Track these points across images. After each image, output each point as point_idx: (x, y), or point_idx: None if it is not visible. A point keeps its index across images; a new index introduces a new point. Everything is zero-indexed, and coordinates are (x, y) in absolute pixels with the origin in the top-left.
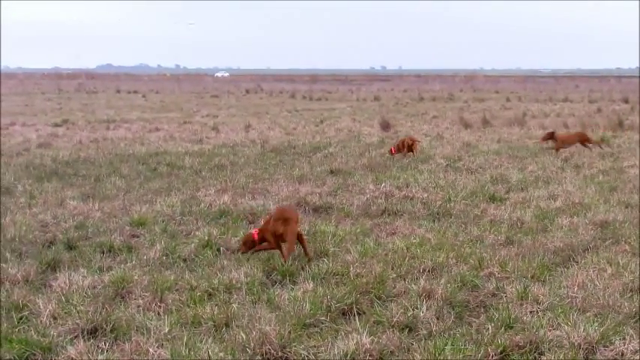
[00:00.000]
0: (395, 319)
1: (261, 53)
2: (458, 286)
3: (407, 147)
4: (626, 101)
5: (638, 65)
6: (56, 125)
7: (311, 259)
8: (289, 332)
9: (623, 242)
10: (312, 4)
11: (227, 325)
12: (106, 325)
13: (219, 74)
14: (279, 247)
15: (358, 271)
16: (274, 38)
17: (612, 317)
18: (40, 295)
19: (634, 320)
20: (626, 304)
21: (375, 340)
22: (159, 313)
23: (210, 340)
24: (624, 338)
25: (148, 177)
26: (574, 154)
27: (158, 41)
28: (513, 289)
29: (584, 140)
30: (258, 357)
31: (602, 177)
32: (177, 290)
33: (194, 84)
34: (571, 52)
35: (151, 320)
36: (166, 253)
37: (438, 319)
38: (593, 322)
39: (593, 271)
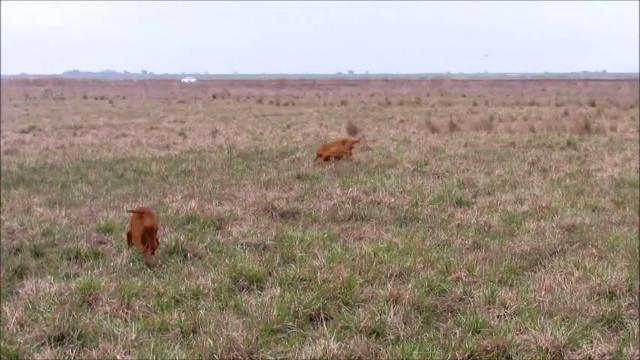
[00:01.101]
0: (362, 325)
1: (228, 59)
2: (425, 291)
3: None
4: (593, 104)
5: (604, 69)
6: (23, 132)
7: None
8: (257, 338)
9: (590, 246)
10: (278, 9)
11: (194, 331)
12: (73, 332)
13: (186, 80)
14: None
15: (326, 276)
16: (242, 43)
17: (580, 321)
18: (6, 303)
19: (601, 324)
20: (593, 307)
21: (343, 345)
22: (126, 320)
23: (177, 347)
24: (592, 342)
25: (115, 183)
26: (541, 158)
27: (125, 47)
28: (481, 294)
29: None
30: None
31: (569, 180)
32: (144, 297)
33: (161, 89)
34: (538, 55)
35: (118, 327)
36: (133, 259)
37: (405, 324)
38: (561, 326)
39: (561, 274)
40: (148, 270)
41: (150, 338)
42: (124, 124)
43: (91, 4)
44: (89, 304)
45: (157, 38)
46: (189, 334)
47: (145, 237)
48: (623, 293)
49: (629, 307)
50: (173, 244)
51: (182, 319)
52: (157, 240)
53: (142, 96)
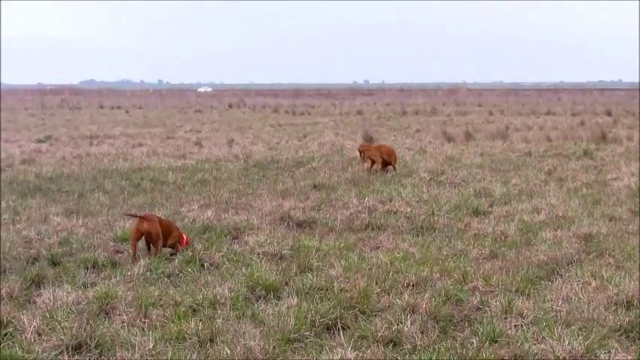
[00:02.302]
0: (379, 334)
1: (244, 68)
2: (442, 301)
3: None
4: (609, 114)
5: (620, 78)
6: (39, 141)
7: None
8: (274, 347)
9: (607, 255)
10: (294, 19)
11: (211, 340)
12: (91, 341)
13: (201, 89)
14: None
15: (342, 285)
16: (257, 53)
17: (597, 331)
18: (24, 312)
19: (619, 333)
20: (610, 317)
21: (360, 354)
22: (143, 329)
23: (194, 356)
24: (609, 351)
25: (131, 192)
26: (557, 167)
27: (141, 57)
28: (497, 303)
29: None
30: None
31: (585, 190)
32: (161, 306)
33: (177, 99)
34: (554, 65)
35: (136, 336)
36: (150, 268)
37: (422, 333)
38: (578, 336)
39: (578, 284)
40: (165, 279)
41: (167, 347)
42: (140, 133)
43: (107, 13)
44: (106, 313)
45: (172, 48)
46: (207, 344)
47: (148, 241)
48: None
49: None
50: (190, 253)
51: (199, 328)
52: (175, 247)
53: (158, 105)
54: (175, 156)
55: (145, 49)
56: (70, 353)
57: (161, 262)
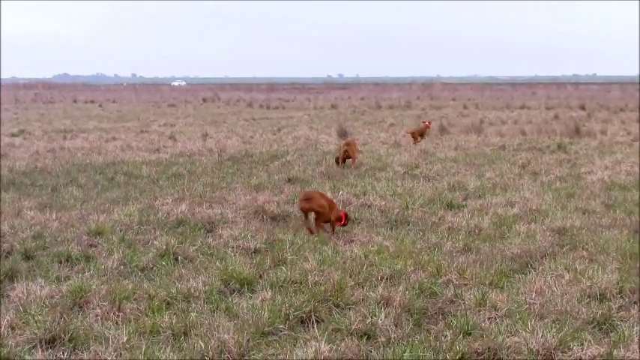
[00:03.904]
0: (353, 327)
1: (218, 62)
2: (416, 294)
3: (343, 153)
4: (583, 108)
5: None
6: (13, 135)
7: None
8: (248, 341)
9: (580, 248)
10: (268, 13)
11: (185, 333)
12: (64, 335)
13: (176, 83)
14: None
15: (316, 279)
16: (232, 47)
17: (570, 323)
18: None
19: (592, 326)
20: (583, 310)
21: (334, 347)
22: (117, 323)
23: (168, 349)
24: (582, 344)
25: (105, 186)
26: (531, 161)
27: (115, 51)
28: (471, 296)
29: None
30: None
31: (559, 183)
32: (135, 299)
33: (151, 93)
34: (529, 59)
35: (109, 330)
36: (124, 262)
37: (396, 326)
38: (552, 328)
39: (551, 277)
40: (140, 273)
41: (141, 341)
42: (114, 127)
43: (81, 8)
44: (80, 307)
45: (147, 42)
46: (181, 337)
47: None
48: (613, 295)
49: (620, 310)
50: (164, 247)
51: (173, 321)
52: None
53: (132, 100)
54: (149, 150)
55: (119, 44)
56: (44, 347)
57: (135, 255)
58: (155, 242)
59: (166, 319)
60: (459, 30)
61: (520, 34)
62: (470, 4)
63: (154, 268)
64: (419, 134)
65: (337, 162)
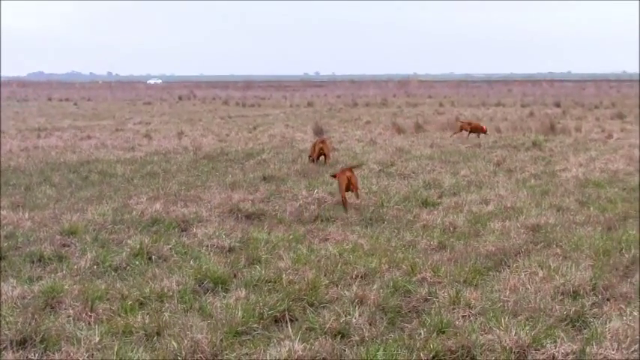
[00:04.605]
0: (327, 326)
1: (194, 60)
2: (390, 292)
3: (317, 151)
4: (558, 105)
5: (569, 70)
6: None
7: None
8: (221, 340)
9: (554, 246)
10: (244, 10)
11: (158, 333)
12: (36, 336)
13: (152, 81)
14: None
15: (291, 277)
16: (208, 45)
17: (544, 320)
18: None
19: (565, 323)
20: (557, 307)
21: (308, 346)
22: (89, 323)
23: (141, 350)
24: (555, 341)
25: (79, 185)
26: (506, 159)
27: (90, 49)
28: (446, 294)
29: None
30: None
31: (534, 181)
32: (108, 299)
33: (127, 91)
34: (504, 57)
35: (82, 330)
36: (97, 262)
37: (370, 324)
38: (525, 326)
39: (525, 274)
40: (113, 272)
41: (113, 341)
42: (88, 126)
43: (56, 5)
44: (52, 308)
45: (122, 40)
46: (154, 337)
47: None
48: (587, 292)
49: (593, 307)
50: (137, 246)
51: (146, 321)
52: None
53: (108, 98)
54: (124, 148)
55: (95, 41)
56: (15, 348)
57: (108, 255)
58: (129, 241)
59: (139, 319)
60: (436, 28)
61: (496, 32)
62: (446, 2)
63: (128, 267)
64: (470, 127)
65: (312, 160)
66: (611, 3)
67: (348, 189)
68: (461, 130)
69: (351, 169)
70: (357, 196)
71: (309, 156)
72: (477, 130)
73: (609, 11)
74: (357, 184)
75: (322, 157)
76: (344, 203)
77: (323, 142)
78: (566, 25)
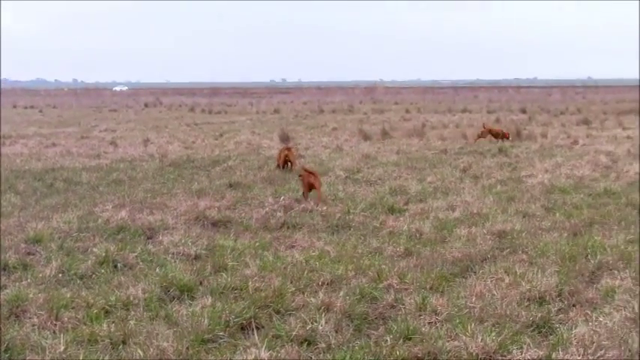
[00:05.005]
0: (294, 333)
1: (161, 67)
2: (357, 299)
3: (283, 158)
4: (524, 111)
5: (535, 76)
6: None
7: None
8: (187, 348)
9: (520, 252)
10: (210, 17)
11: (124, 342)
12: (0, 345)
13: (117, 88)
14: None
15: (257, 285)
16: (174, 52)
17: (510, 327)
18: None
19: (531, 329)
20: (523, 313)
21: (274, 354)
22: (54, 332)
23: (106, 358)
24: (522, 347)
25: (44, 193)
26: (472, 165)
27: (55, 56)
28: (412, 301)
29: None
30: None
31: (500, 187)
32: (73, 308)
33: (92, 98)
34: (471, 63)
35: (47, 339)
36: (62, 270)
37: (336, 332)
38: (491, 332)
39: (491, 281)
40: (78, 281)
41: (79, 350)
42: (54, 133)
43: (20, 11)
44: (17, 316)
45: (88, 47)
46: (119, 345)
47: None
48: (552, 298)
49: (559, 312)
50: (103, 254)
51: (112, 330)
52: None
53: (73, 105)
54: (90, 156)
55: (60, 48)
56: None
57: (74, 263)
58: (94, 249)
59: (105, 328)
60: (402, 34)
61: (462, 39)
62: (412, 8)
63: (93, 275)
64: (492, 133)
65: (278, 167)
66: (577, 9)
67: (310, 189)
68: (483, 136)
69: (315, 173)
70: (319, 198)
71: (277, 163)
72: (498, 135)
73: (575, 17)
74: (319, 186)
75: (288, 164)
76: (305, 196)
77: (288, 149)
78: (532, 31)
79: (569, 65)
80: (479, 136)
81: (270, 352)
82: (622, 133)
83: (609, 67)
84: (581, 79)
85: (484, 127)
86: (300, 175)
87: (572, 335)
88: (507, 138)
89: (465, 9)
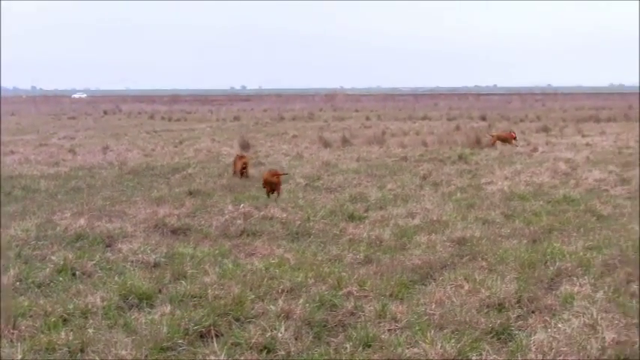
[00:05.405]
0: (253, 341)
1: (120, 74)
2: (317, 306)
3: (240, 165)
4: (484, 119)
5: (495, 84)
6: None
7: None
8: (146, 356)
9: (480, 258)
10: (170, 24)
11: (82, 350)
12: None
13: (77, 95)
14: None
15: (216, 292)
16: (134, 59)
17: (469, 333)
18: None
19: (490, 336)
20: (482, 320)
21: None
22: (12, 340)
23: None
24: (481, 354)
25: (1, 201)
26: (432, 172)
27: (13, 62)
28: (372, 308)
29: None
30: None
31: (460, 194)
32: (31, 316)
33: (51, 105)
34: (431, 70)
35: (4, 348)
36: (20, 278)
37: (296, 339)
38: (451, 339)
39: (451, 288)
40: (36, 289)
41: (36, 358)
42: (12, 140)
43: None
44: None
45: (46, 53)
46: (77, 354)
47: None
48: (512, 305)
49: (518, 319)
50: (61, 262)
51: (70, 338)
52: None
53: (32, 112)
54: (48, 163)
55: (18, 55)
56: None
57: (32, 271)
58: (53, 257)
59: (63, 336)
60: (362, 41)
61: (422, 46)
62: (372, 15)
63: (51, 283)
64: (501, 139)
65: (235, 173)
66: (535, 17)
67: (272, 190)
68: (492, 143)
69: (278, 174)
70: (278, 195)
71: (234, 171)
72: (506, 139)
73: (534, 25)
74: (279, 187)
75: (246, 171)
76: (267, 193)
77: (242, 157)
78: (492, 38)
79: (529, 72)
80: (492, 145)
81: (230, 359)
82: (581, 141)
83: (569, 75)
84: (540, 86)
85: (492, 137)
86: (264, 180)
87: (531, 342)
88: (514, 138)
89: (424, 16)
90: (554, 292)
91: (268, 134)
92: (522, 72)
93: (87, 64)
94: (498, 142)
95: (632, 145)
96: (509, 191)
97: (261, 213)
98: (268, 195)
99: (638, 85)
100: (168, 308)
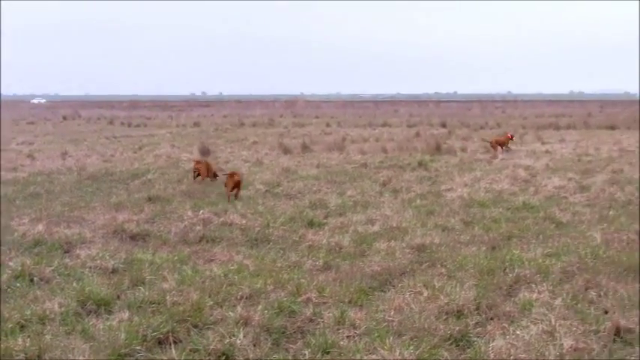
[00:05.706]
0: (212, 347)
1: (79, 80)
2: (275, 313)
3: (205, 170)
4: (444, 125)
5: (455, 90)
6: None
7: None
8: None
9: (439, 265)
10: (130, 30)
11: (39, 357)
12: None
13: (35, 101)
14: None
15: (175, 299)
16: (93, 64)
17: (428, 340)
18: None
19: (449, 342)
20: (441, 326)
21: None
22: None
23: None
24: None
25: None
26: (392, 179)
27: None
28: (331, 314)
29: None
30: None
31: (419, 201)
32: None
33: (9, 111)
34: (391, 77)
35: None
36: None
37: (255, 345)
38: (409, 346)
39: (410, 294)
40: None
41: None
42: None
43: None
44: None
45: (5, 59)
46: None
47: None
48: (470, 312)
49: (477, 326)
50: (19, 268)
51: (27, 344)
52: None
53: None
54: (6, 169)
55: None
56: None
57: None
58: (10, 263)
59: (20, 343)
60: (322, 47)
61: (382, 52)
62: (331, 20)
63: (9, 289)
64: (500, 144)
65: (195, 178)
66: (494, 24)
67: (233, 189)
68: (493, 148)
69: (238, 174)
70: (237, 196)
71: (195, 175)
72: (505, 143)
73: (494, 32)
74: (240, 187)
75: (206, 176)
76: (227, 197)
77: (198, 162)
78: (452, 45)
79: (489, 79)
80: (494, 154)
81: None
82: (541, 148)
83: (529, 82)
84: (500, 93)
85: (490, 143)
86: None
87: (490, 349)
88: (511, 139)
89: (385, 22)
90: (512, 298)
91: (228, 140)
92: (483, 79)
93: (46, 69)
94: (499, 148)
95: (592, 153)
96: (468, 198)
97: (221, 219)
98: (229, 199)
99: (597, 92)
100: (126, 314)
